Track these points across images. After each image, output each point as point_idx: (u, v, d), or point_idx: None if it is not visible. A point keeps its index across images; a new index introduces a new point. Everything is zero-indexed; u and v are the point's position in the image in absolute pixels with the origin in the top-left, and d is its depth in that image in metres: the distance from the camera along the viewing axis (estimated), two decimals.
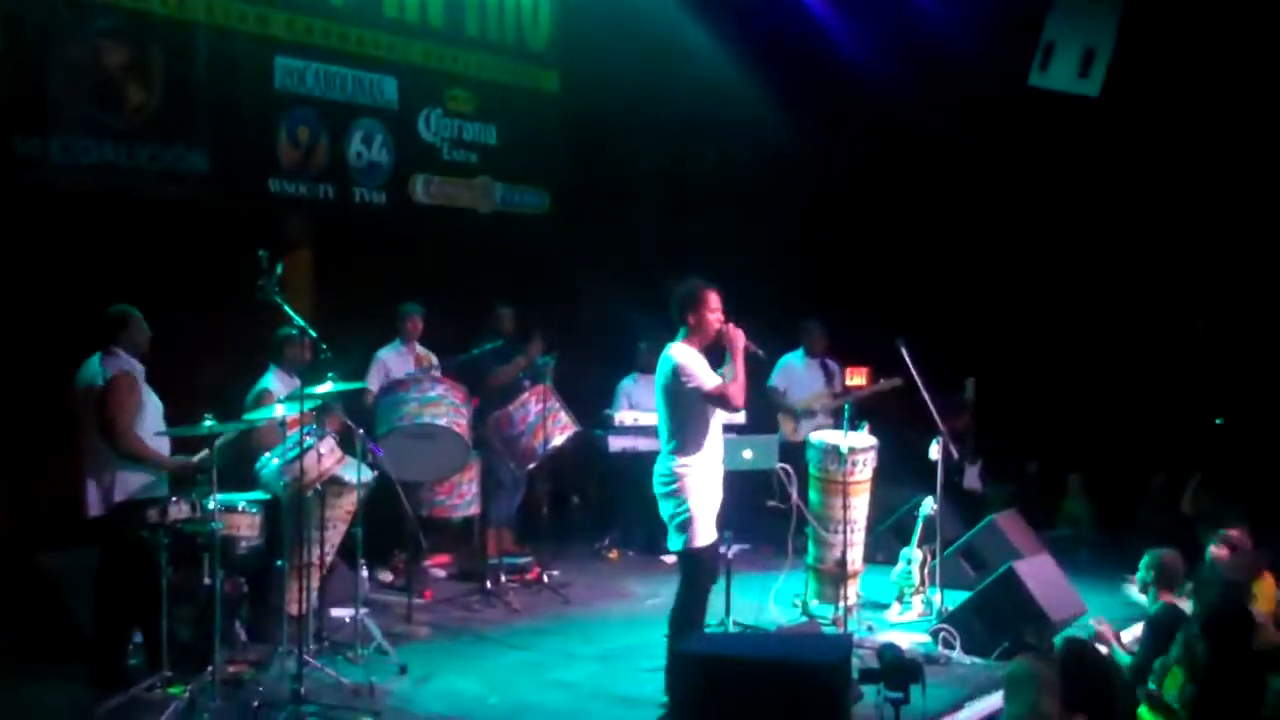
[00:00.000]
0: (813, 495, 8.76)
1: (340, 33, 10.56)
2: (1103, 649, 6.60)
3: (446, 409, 8.61)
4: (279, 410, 7.27)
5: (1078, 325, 13.01)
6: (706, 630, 6.95)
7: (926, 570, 9.00)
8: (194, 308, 9.11)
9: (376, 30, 10.83)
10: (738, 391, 6.65)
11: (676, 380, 6.68)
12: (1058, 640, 7.26)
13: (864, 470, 8.65)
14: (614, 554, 11.08)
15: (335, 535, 7.82)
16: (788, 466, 8.55)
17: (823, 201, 13.50)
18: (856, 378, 11.44)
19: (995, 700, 6.99)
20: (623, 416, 11.08)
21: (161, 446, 7.24)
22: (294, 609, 7.28)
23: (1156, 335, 12.81)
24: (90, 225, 8.78)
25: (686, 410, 6.72)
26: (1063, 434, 12.73)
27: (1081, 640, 6.38)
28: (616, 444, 11.01)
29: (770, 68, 12.61)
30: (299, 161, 10.25)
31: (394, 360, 9.81)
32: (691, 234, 12.88)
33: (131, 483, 7.13)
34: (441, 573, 10.08)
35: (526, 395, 9.32)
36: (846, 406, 9.00)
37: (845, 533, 8.50)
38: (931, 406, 8.72)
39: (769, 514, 8.94)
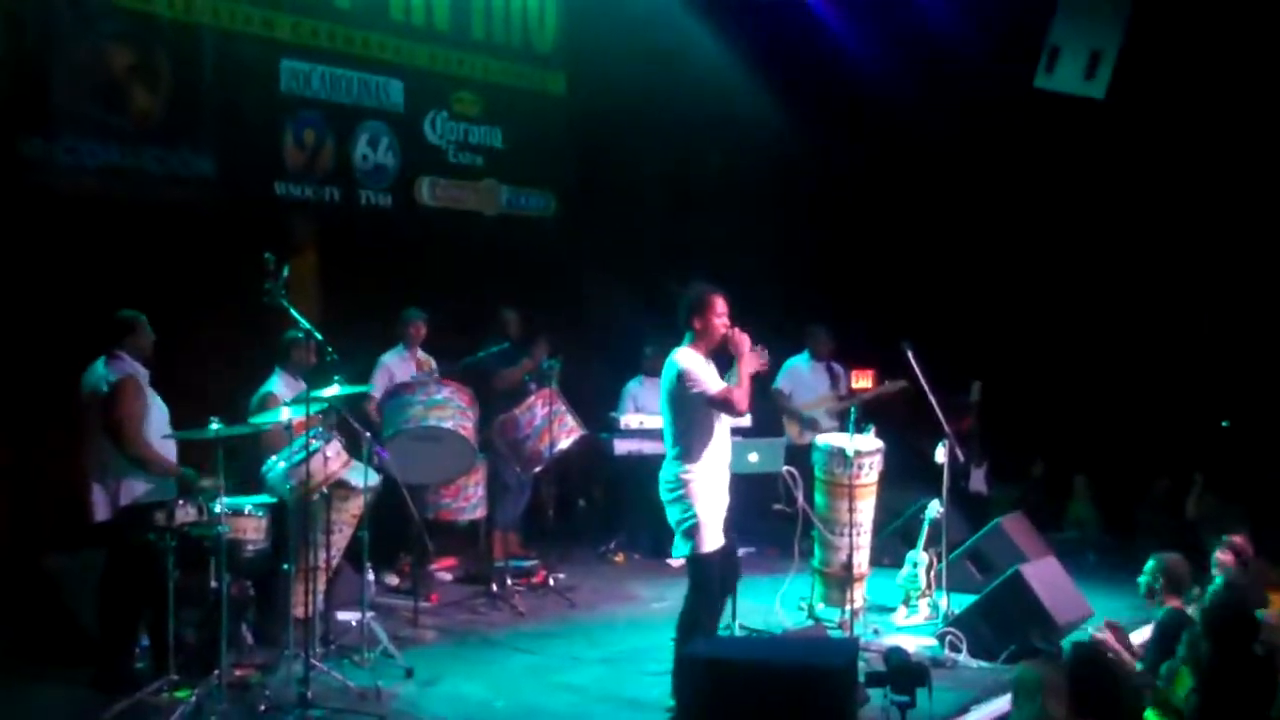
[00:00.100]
0: (818, 498, 8.75)
1: (346, 36, 10.57)
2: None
3: (452, 412, 8.61)
4: (285, 413, 7.27)
5: (1083, 327, 13.00)
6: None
7: (933, 573, 9.00)
8: (200, 311, 9.13)
9: (382, 33, 10.85)
10: (742, 396, 6.65)
11: (681, 385, 6.68)
12: (1065, 644, 7.26)
13: (870, 473, 8.63)
14: (620, 557, 11.07)
15: (341, 538, 7.82)
16: (794, 470, 8.54)
17: (828, 204, 13.49)
18: (862, 380, 11.45)
19: (1002, 704, 6.99)
20: (628, 420, 11.08)
21: (168, 450, 7.25)
22: (300, 612, 7.28)
23: (1163, 338, 12.79)
24: (95, 228, 8.79)
25: (691, 415, 6.72)
26: (1069, 436, 12.72)
27: (1091, 644, 6.38)
28: (622, 447, 11.01)
29: (775, 71, 12.62)
30: (305, 164, 10.26)
31: (397, 365, 9.81)
32: (697, 237, 12.88)
33: (138, 487, 7.16)
34: (447, 576, 10.07)
35: (532, 399, 9.32)
36: (852, 409, 8.98)
37: (851, 536, 8.48)
38: (937, 409, 8.71)
39: (775, 517, 8.94)
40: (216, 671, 6.68)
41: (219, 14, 9.68)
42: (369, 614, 7.78)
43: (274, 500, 7.43)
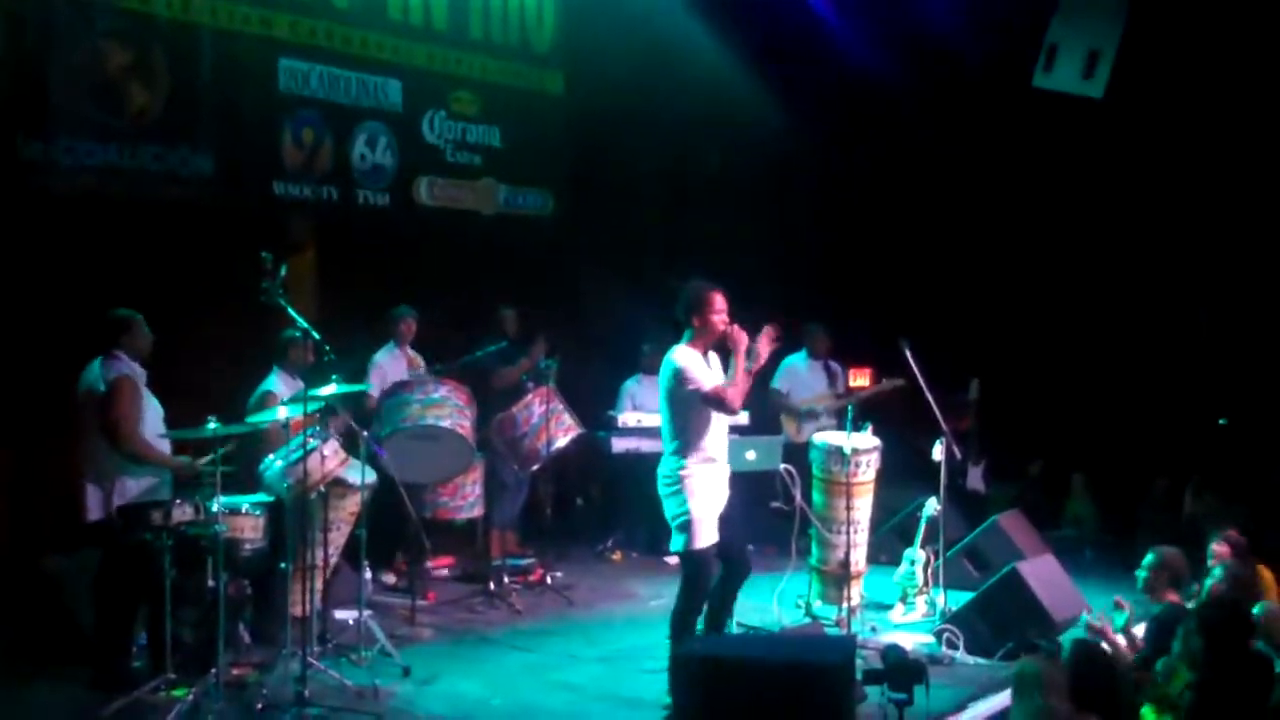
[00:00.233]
0: (816, 496, 8.76)
1: (344, 35, 10.57)
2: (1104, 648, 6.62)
3: (450, 411, 8.61)
4: (282, 412, 7.27)
5: (1081, 325, 13.00)
6: (698, 632, 6.94)
7: (930, 571, 9.01)
8: (198, 310, 9.13)
9: (381, 33, 10.84)
10: (736, 394, 6.67)
11: (676, 383, 6.74)
12: (1064, 641, 7.26)
13: (867, 471, 8.64)
14: (617, 555, 11.08)
15: (339, 537, 7.83)
16: (791, 468, 8.56)
17: (825, 203, 13.50)
18: (860, 379, 11.45)
19: (999, 701, 7.00)
20: (626, 418, 11.08)
21: (163, 448, 7.26)
22: (297, 611, 7.29)
23: (1160, 336, 12.79)
24: (94, 228, 8.80)
25: (687, 412, 6.76)
26: (1066, 434, 12.72)
27: (1090, 641, 6.39)
28: (620, 445, 11.01)
29: (773, 69, 12.62)
30: (303, 164, 10.26)
31: (390, 363, 9.79)
32: (694, 235, 12.89)
33: (133, 486, 7.17)
34: (444, 573, 10.07)
35: (530, 397, 9.33)
36: (850, 408, 8.99)
37: (849, 534, 8.49)
38: (935, 407, 8.72)
39: (773, 515, 8.94)
40: (214, 670, 6.68)
41: (217, 13, 9.67)
42: (366, 612, 7.78)
43: (271, 499, 7.44)
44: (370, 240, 10.85)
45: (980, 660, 7.86)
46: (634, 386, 11.35)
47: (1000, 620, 7.97)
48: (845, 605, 8.42)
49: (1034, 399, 12.84)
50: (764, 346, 6.82)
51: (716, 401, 6.68)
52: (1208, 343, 12.82)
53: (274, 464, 7.39)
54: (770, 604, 8.69)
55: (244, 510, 7.26)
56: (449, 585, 9.83)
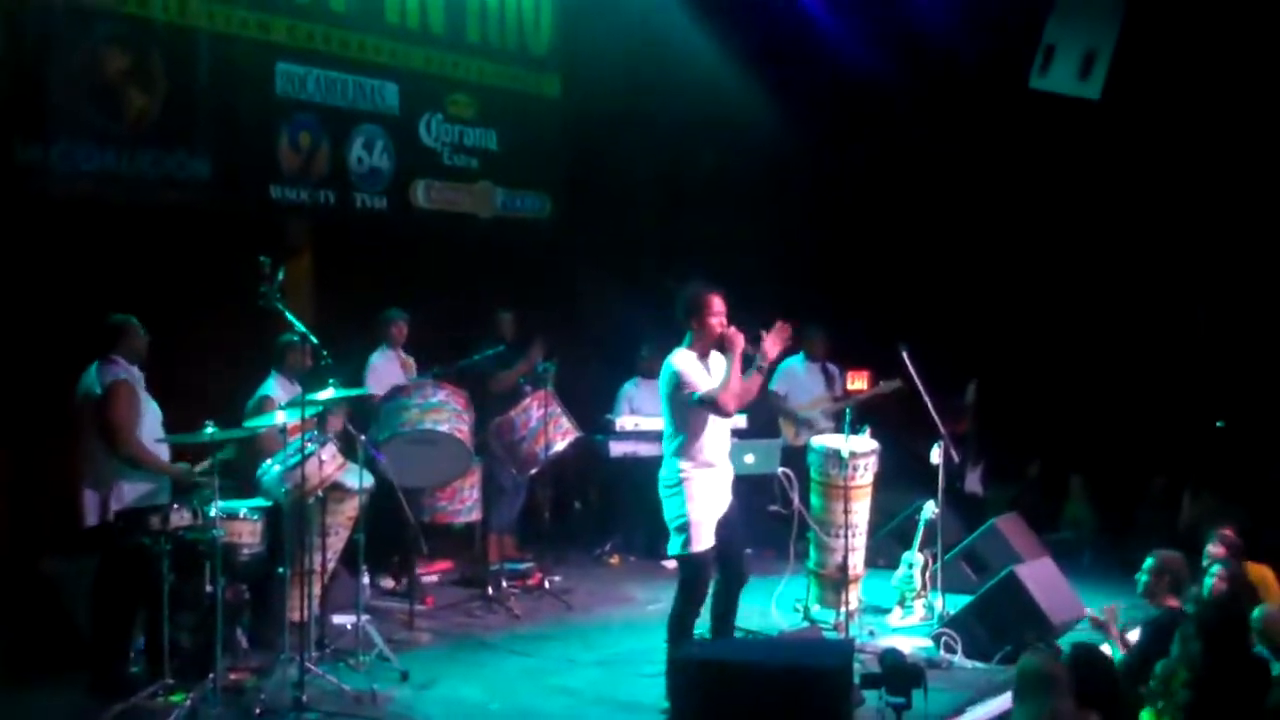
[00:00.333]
0: (814, 500, 8.76)
1: (341, 39, 10.57)
2: (1105, 649, 6.61)
3: (448, 415, 8.60)
4: (280, 417, 7.27)
5: (1079, 328, 13.00)
6: (696, 635, 6.95)
7: (928, 574, 9.01)
8: (195, 314, 9.13)
9: (378, 36, 10.84)
10: (730, 398, 6.68)
11: (673, 387, 6.77)
12: (1064, 644, 7.25)
13: (865, 475, 8.64)
14: (615, 559, 11.07)
15: (337, 542, 7.82)
16: (789, 471, 8.56)
17: (822, 204, 13.49)
18: (858, 381, 11.45)
19: (997, 704, 7.01)
20: (624, 421, 11.08)
21: (161, 453, 7.26)
22: (296, 616, 7.29)
23: (1158, 339, 12.79)
24: (91, 232, 8.79)
25: (685, 416, 6.79)
26: (1064, 437, 12.72)
27: (1090, 642, 6.38)
28: (618, 449, 11.02)
29: (769, 71, 12.62)
30: (300, 167, 10.26)
31: (385, 366, 9.78)
32: (692, 237, 12.89)
33: (131, 491, 7.17)
34: (435, 578, 10.06)
35: (528, 401, 9.33)
36: (847, 411, 8.99)
37: (846, 537, 8.49)
38: (932, 410, 8.72)
39: (771, 519, 8.94)
40: (211, 675, 6.68)
41: (214, 17, 9.67)
42: (364, 617, 7.79)
43: (269, 504, 7.43)
44: (367, 244, 10.85)
45: (978, 664, 7.85)
46: (632, 390, 11.36)
47: (998, 623, 7.96)
48: (843, 609, 8.41)
49: (1032, 401, 12.83)
50: (772, 346, 6.84)
51: (710, 405, 6.69)
52: (1205, 344, 12.82)
53: (272, 468, 7.38)
54: (768, 608, 8.70)
55: (242, 515, 7.24)
56: (447, 589, 9.83)
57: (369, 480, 7.83)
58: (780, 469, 8.68)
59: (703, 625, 7.09)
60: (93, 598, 7.22)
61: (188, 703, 6.61)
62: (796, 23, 12.66)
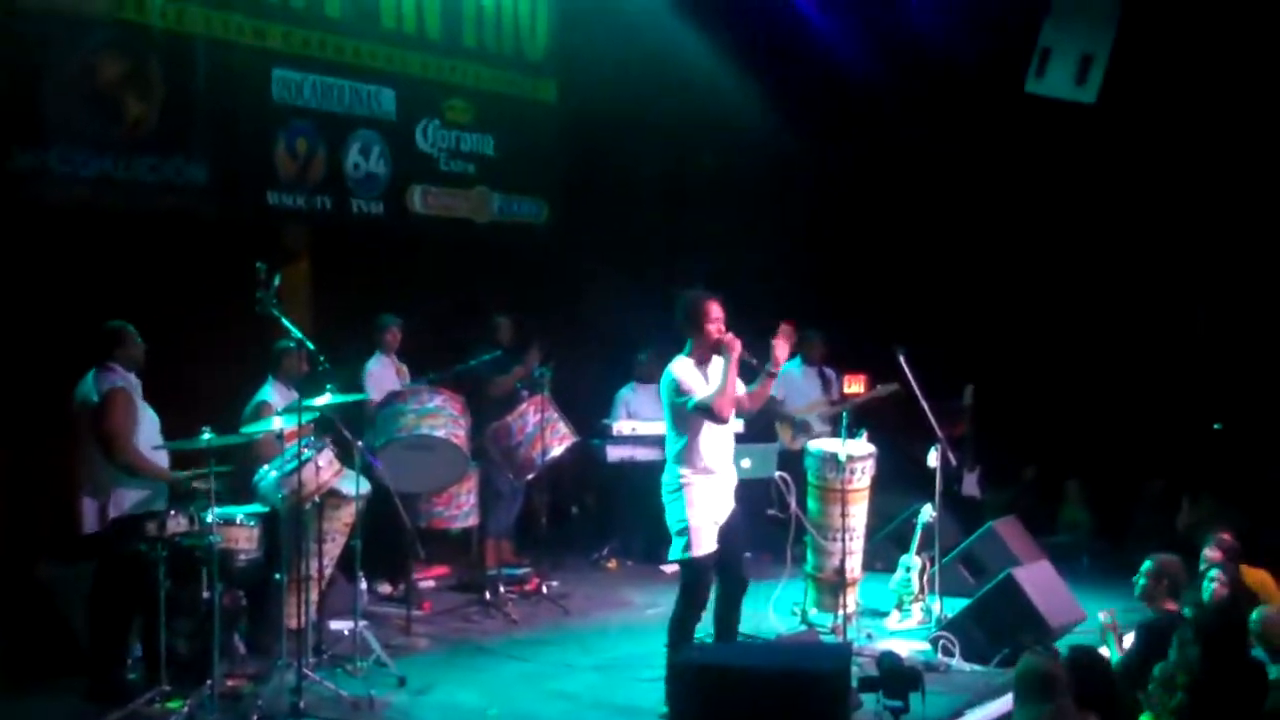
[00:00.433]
0: (811, 503, 8.77)
1: (337, 45, 10.56)
2: (1104, 651, 6.61)
3: (445, 420, 8.61)
4: (277, 422, 7.27)
5: (1076, 331, 13.02)
6: (697, 640, 6.97)
7: (925, 578, 9.01)
8: (192, 320, 9.12)
9: (374, 42, 10.83)
10: (725, 403, 6.71)
11: (672, 394, 6.83)
12: (1062, 647, 7.25)
13: (862, 478, 8.65)
14: (613, 564, 11.08)
15: (334, 547, 7.83)
16: (786, 475, 8.57)
17: (820, 208, 13.50)
18: (854, 385, 11.45)
19: (995, 707, 7.02)
20: (621, 426, 11.09)
21: (159, 460, 7.25)
22: (293, 622, 7.29)
23: (1155, 342, 12.81)
24: (89, 238, 8.79)
25: (685, 422, 6.83)
26: (1061, 440, 12.73)
27: (1088, 646, 6.39)
28: (615, 454, 11.02)
29: (767, 75, 12.64)
30: (297, 173, 10.25)
31: (381, 371, 9.74)
32: (690, 242, 12.91)
33: (128, 498, 7.15)
34: (432, 583, 10.05)
35: (524, 406, 9.33)
36: (844, 414, 9.00)
37: (844, 541, 8.50)
38: (929, 413, 8.72)
39: (768, 523, 8.94)
40: (209, 682, 6.67)
41: (211, 24, 9.67)
42: (362, 623, 7.78)
43: (266, 510, 7.44)
44: (364, 249, 10.85)
45: (976, 667, 7.86)
46: (629, 395, 11.36)
47: (996, 626, 7.97)
48: (841, 612, 8.42)
49: (1029, 404, 12.84)
50: (781, 349, 6.86)
51: (706, 412, 6.72)
52: (1203, 347, 12.83)
53: (269, 475, 7.38)
54: (766, 612, 8.69)
55: (239, 521, 7.24)
56: (445, 595, 9.83)
57: (366, 486, 7.84)
58: (777, 473, 8.69)
59: (703, 629, 7.09)
60: (90, 604, 7.21)
61: (185, 709, 6.62)
62: (794, 26, 12.67)
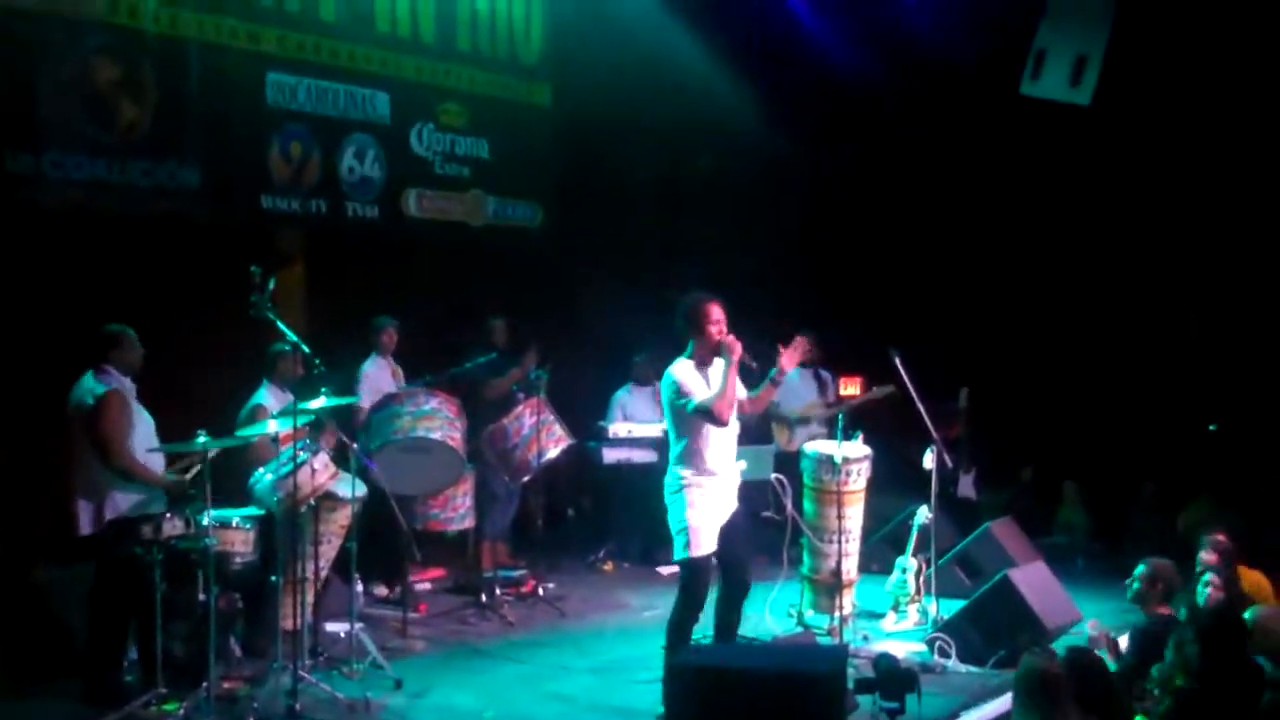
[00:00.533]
0: (807, 505, 8.77)
1: (332, 48, 10.56)
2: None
3: (440, 423, 8.60)
4: (272, 425, 7.27)
5: (1072, 333, 13.03)
6: (694, 641, 6.97)
7: (922, 579, 9.01)
8: (187, 324, 9.11)
9: (368, 46, 10.83)
10: (724, 406, 6.74)
11: (671, 396, 6.86)
12: (1058, 648, 7.25)
13: (858, 480, 8.65)
14: (609, 566, 11.07)
15: (330, 550, 7.83)
16: (782, 477, 8.57)
17: (815, 211, 13.51)
18: (850, 387, 11.45)
19: (991, 708, 7.01)
20: (617, 428, 11.08)
21: (154, 463, 7.25)
22: (289, 624, 7.29)
23: (1150, 343, 12.82)
24: (83, 242, 8.79)
25: (686, 425, 6.87)
26: (1058, 441, 12.74)
27: (1085, 647, 6.39)
28: (611, 456, 11.02)
29: (761, 77, 12.66)
30: (291, 177, 10.25)
31: (377, 374, 9.74)
32: (685, 245, 12.91)
33: (123, 501, 7.15)
34: (428, 586, 10.05)
35: (520, 408, 9.32)
36: (840, 416, 9.00)
37: (840, 542, 8.50)
38: (925, 415, 8.73)
39: (764, 524, 8.94)
40: (205, 684, 6.68)
41: (205, 28, 9.67)
42: (358, 625, 7.77)
43: (262, 512, 7.43)
44: (359, 253, 10.85)
45: (972, 668, 7.85)
46: (625, 397, 11.36)
47: (992, 628, 7.96)
48: (837, 614, 8.42)
49: (1024, 406, 12.85)
50: (790, 360, 6.93)
51: (705, 415, 6.75)
52: (1198, 348, 12.85)
53: (264, 477, 7.38)
54: (762, 613, 8.68)
55: (234, 524, 7.25)
56: (441, 597, 9.82)
57: (361, 489, 7.83)
58: (773, 475, 8.68)
59: (703, 630, 7.10)
60: (87, 607, 7.21)
61: (181, 711, 6.63)
62: (788, 29, 12.69)
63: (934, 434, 8.70)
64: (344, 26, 10.64)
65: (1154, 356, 12.77)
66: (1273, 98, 11.40)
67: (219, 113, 9.74)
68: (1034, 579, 8.35)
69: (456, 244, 11.57)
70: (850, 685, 6.07)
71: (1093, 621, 7.46)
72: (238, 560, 7.27)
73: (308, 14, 10.37)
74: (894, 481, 9.70)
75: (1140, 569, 7.09)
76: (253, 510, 7.46)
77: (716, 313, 6.90)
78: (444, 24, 11.48)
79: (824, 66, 12.69)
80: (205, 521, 6.81)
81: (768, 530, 8.90)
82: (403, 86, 11.11)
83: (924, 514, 8.85)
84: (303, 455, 7.16)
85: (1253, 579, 7.64)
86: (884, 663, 5.84)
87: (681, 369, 6.87)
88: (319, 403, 7.21)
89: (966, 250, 13.09)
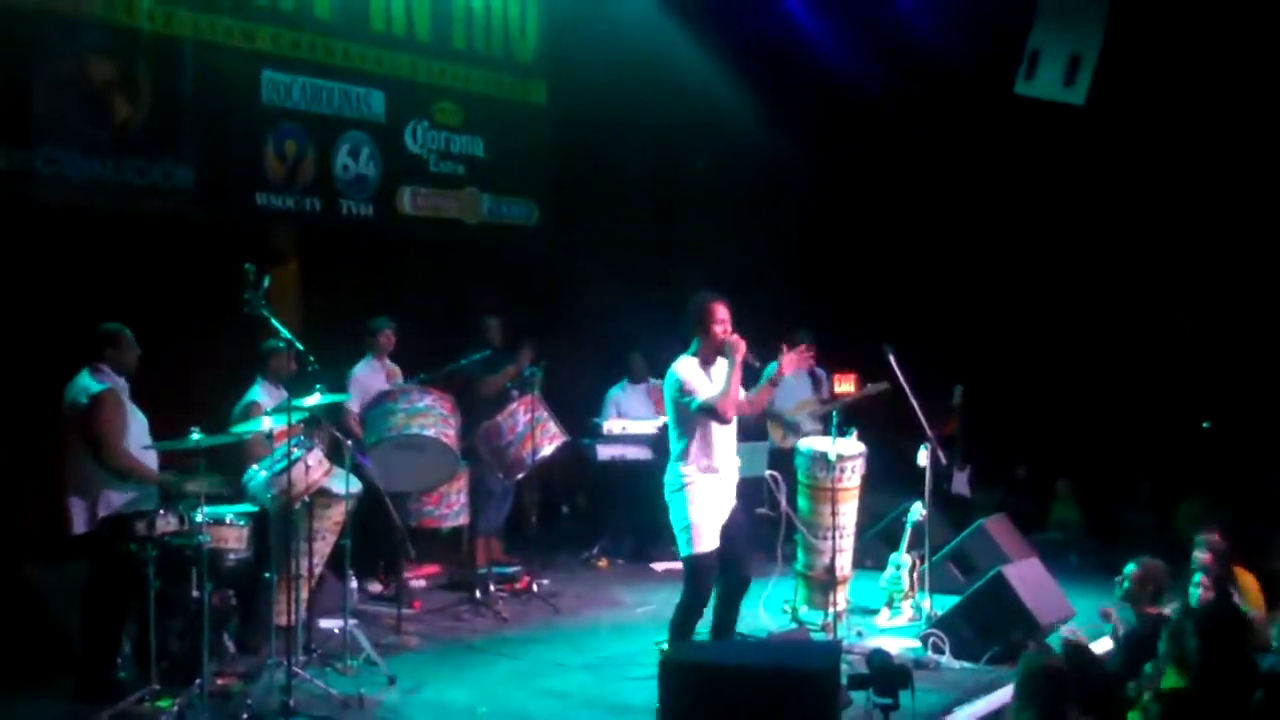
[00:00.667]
0: (801, 502, 8.77)
1: (326, 47, 10.57)
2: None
3: (435, 420, 8.61)
4: (266, 423, 7.27)
5: (1066, 331, 13.05)
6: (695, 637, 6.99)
7: (915, 575, 9.02)
8: (181, 321, 9.13)
9: (363, 44, 10.85)
10: (729, 405, 6.79)
11: (676, 393, 6.91)
12: (1051, 643, 7.26)
13: (852, 477, 8.65)
14: (603, 563, 11.07)
15: (324, 546, 7.82)
16: (776, 474, 8.58)
17: (810, 210, 13.53)
18: (844, 384, 11.47)
19: (985, 704, 7.02)
20: (611, 425, 11.09)
21: (148, 460, 7.25)
22: (282, 621, 7.28)
23: (1144, 341, 12.84)
24: (77, 240, 8.80)
25: (687, 422, 6.92)
26: (1052, 439, 12.76)
27: (1082, 645, 6.40)
28: (605, 453, 11.03)
29: (757, 76, 12.67)
30: (286, 175, 10.27)
31: (368, 376, 9.71)
32: (681, 243, 12.92)
33: (117, 498, 7.16)
34: (422, 583, 10.05)
35: (514, 405, 9.33)
36: (834, 413, 9.01)
37: (834, 539, 8.50)
38: (919, 412, 8.73)
39: (759, 521, 8.95)
40: (198, 681, 6.67)
41: (199, 26, 9.68)
42: (351, 621, 7.75)
43: (256, 509, 7.43)
44: (354, 251, 10.87)
45: (966, 664, 7.85)
46: (619, 394, 11.37)
47: (986, 624, 7.97)
48: (831, 610, 8.42)
49: (1019, 403, 12.87)
50: (790, 364, 7.03)
51: (710, 413, 6.81)
52: (1192, 347, 12.87)
53: (258, 474, 7.39)
54: (756, 610, 8.68)
55: (228, 521, 7.24)
56: (435, 594, 9.82)
57: (356, 485, 7.83)
58: (768, 471, 8.69)
59: (701, 627, 7.12)
60: (80, 604, 7.20)
61: (175, 708, 6.61)
62: (785, 28, 12.70)
63: (928, 431, 8.70)
64: (339, 25, 10.66)
65: (1148, 355, 12.80)
66: (1267, 98, 11.42)
67: (214, 111, 9.76)
68: (1028, 575, 8.36)
69: (451, 242, 11.58)
70: (844, 681, 6.08)
71: (1068, 628, 7.50)
72: (232, 557, 7.25)
73: (302, 12, 10.39)
74: (888, 478, 9.71)
75: (1130, 568, 7.09)
76: (247, 507, 7.45)
77: (722, 312, 6.97)
78: (439, 22, 11.49)
79: (819, 67, 12.70)
80: (199, 518, 6.81)
81: (762, 527, 8.91)
82: (397, 85, 11.12)
83: (918, 510, 8.86)
84: (297, 452, 7.16)
85: (1241, 581, 7.64)
86: (878, 659, 5.83)
87: (685, 366, 6.92)
88: (313, 399, 7.21)
89: (961, 249, 13.11)
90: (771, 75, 12.70)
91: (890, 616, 9.01)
